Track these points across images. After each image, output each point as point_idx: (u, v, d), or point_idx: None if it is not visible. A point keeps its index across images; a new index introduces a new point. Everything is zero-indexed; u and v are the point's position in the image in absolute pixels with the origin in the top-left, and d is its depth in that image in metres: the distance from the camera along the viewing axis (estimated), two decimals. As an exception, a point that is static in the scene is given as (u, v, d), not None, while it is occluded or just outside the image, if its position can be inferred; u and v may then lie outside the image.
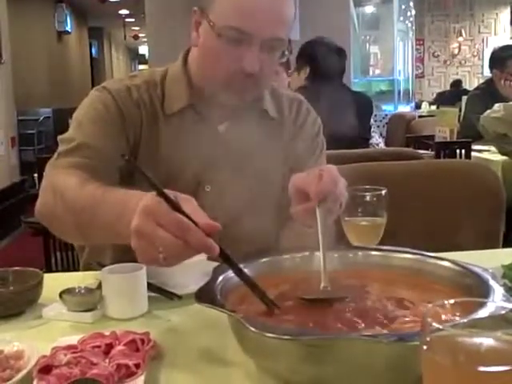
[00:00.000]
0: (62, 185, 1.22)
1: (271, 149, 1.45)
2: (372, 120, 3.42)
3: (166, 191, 0.88)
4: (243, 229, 1.38)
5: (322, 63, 3.20)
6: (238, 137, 1.42)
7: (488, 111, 3.37)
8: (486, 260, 1.10)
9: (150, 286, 1.16)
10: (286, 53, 1.33)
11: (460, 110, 4.82)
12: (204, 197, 1.39)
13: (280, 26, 1.28)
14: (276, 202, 1.41)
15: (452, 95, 9.00)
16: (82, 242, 1.46)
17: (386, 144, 4.43)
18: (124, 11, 13.67)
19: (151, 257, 0.89)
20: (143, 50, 20.37)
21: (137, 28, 16.47)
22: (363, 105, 3.30)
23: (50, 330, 1.07)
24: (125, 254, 1.20)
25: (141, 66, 22.36)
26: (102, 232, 1.11)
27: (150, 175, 0.88)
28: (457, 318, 0.64)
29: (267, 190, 1.42)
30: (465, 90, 9.18)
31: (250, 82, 1.29)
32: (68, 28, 11.28)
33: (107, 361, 0.86)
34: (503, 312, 0.68)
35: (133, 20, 14.89)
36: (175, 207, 0.86)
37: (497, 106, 3.34)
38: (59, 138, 1.35)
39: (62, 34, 11.25)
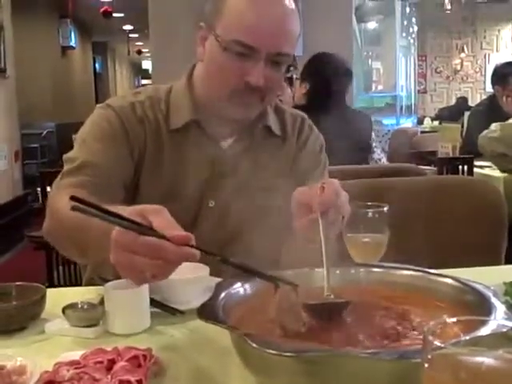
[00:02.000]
0: (58, 206, 1.21)
1: (274, 165, 1.46)
2: (374, 135, 3.42)
3: (135, 209, 0.89)
4: (246, 245, 1.38)
5: (323, 83, 3.14)
6: (242, 153, 1.43)
7: (485, 131, 3.40)
8: (488, 277, 1.10)
9: (153, 302, 1.16)
10: (292, 68, 1.34)
11: (462, 126, 4.83)
12: (208, 212, 1.40)
13: (285, 40, 1.29)
14: (279, 219, 1.42)
15: (454, 111, 9.01)
16: (85, 260, 1.46)
17: (389, 159, 4.43)
18: (128, 27, 13.77)
19: (141, 279, 0.92)
20: (146, 64, 20.49)
21: (140, 43, 16.57)
22: (362, 123, 3.27)
23: (53, 345, 1.07)
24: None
25: (144, 81, 22.46)
26: (95, 252, 1.10)
27: (102, 214, 0.88)
28: (458, 336, 0.64)
29: (270, 207, 1.42)
30: (467, 105, 9.20)
31: (255, 96, 1.31)
32: (72, 43, 11.35)
33: (109, 377, 0.86)
34: (505, 330, 0.68)
35: (136, 35, 14.99)
36: (142, 230, 0.86)
37: (493, 125, 3.37)
38: (64, 157, 1.36)
39: (66, 49, 11.32)
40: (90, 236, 1.05)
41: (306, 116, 1.57)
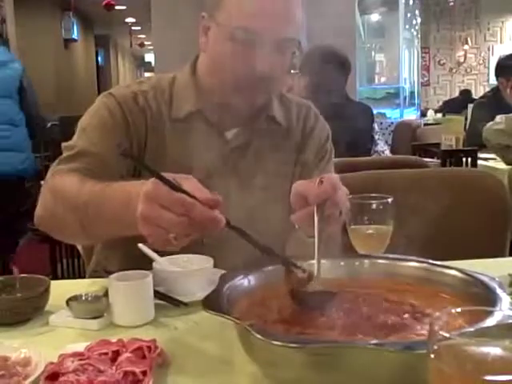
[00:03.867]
0: (62, 185, 1.24)
1: (279, 155, 1.45)
2: (377, 127, 3.41)
3: (165, 174, 0.91)
4: (251, 233, 1.38)
5: (322, 76, 3.15)
6: (246, 143, 1.43)
7: (490, 123, 3.39)
8: (493, 268, 1.10)
9: (157, 294, 1.16)
10: (297, 53, 1.34)
11: (466, 119, 4.82)
12: None
13: (290, 26, 1.28)
14: (283, 209, 1.41)
15: (458, 103, 8.99)
16: (86, 240, 1.44)
17: (392, 152, 4.42)
18: (130, 19, 13.74)
19: (162, 239, 0.93)
20: (149, 57, 20.44)
21: (143, 36, 16.53)
22: (363, 115, 3.27)
23: (57, 337, 1.08)
24: (131, 262, 1.21)
25: (146, 74, 22.40)
26: (107, 225, 1.13)
27: (145, 163, 0.93)
28: (464, 327, 0.64)
29: (274, 197, 1.41)
30: (471, 97, 9.17)
31: (262, 83, 1.30)
32: (74, 36, 11.34)
33: (114, 368, 0.87)
34: (510, 321, 0.68)
35: (139, 28, 14.95)
36: (175, 188, 0.90)
37: (498, 117, 3.36)
38: (63, 145, 1.37)
39: (68, 41, 11.31)
40: (103, 209, 1.10)
41: (311, 105, 1.56)
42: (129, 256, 1.35)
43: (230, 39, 1.26)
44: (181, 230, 0.90)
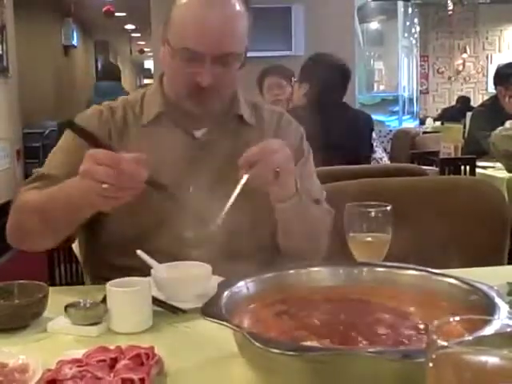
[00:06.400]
0: (25, 200, 1.36)
1: None
2: (375, 135, 3.41)
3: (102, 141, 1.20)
4: (223, 236, 1.37)
5: (321, 83, 3.14)
6: (215, 142, 1.46)
7: (500, 128, 3.37)
8: (491, 277, 1.10)
9: (155, 301, 1.16)
10: (244, 64, 1.42)
11: (465, 127, 4.82)
12: (187, 198, 1.38)
13: (229, 41, 1.35)
14: (255, 206, 1.38)
15: (457, 111, 9.00)
16: (54, 236, 1.40)
17: (391, 160, 4.42)
18: (130, 26, 13.76)
19: (96, 191, 1.12)
20: (149, 64, 20.48)
21: (142, 42, 16.58)
22: (362, 122, 3.27)
23: (55, 343, 1.08)
24: (119, 273, 1.21)
25: (146, 81, 22.44)
26: (64, 212, 1.27)
27: (87, 129, 1.21)
28: (462, 336, 0.64)
29: (245, 195, 1.39)
30: (469, 106, 9.18)
31: (210, 92, 1.37)
32: (74, 42, 11.36)
33: (112, 375, 0.87)
34: (509, 330, 0.68)
35: (139, 35, 14.99)
36: (109, 149, 1.15)
37: (508, 123, 3.34)
38: (33, 170, 1.47)
39: (68, 48, 11.32)
40: (60, 199, 1.26)
41: (284, 111, 1.62)
42: (119, 265, 1.36)
43: (176, 57, 1.36)
44: (111, 180, 1.10)
